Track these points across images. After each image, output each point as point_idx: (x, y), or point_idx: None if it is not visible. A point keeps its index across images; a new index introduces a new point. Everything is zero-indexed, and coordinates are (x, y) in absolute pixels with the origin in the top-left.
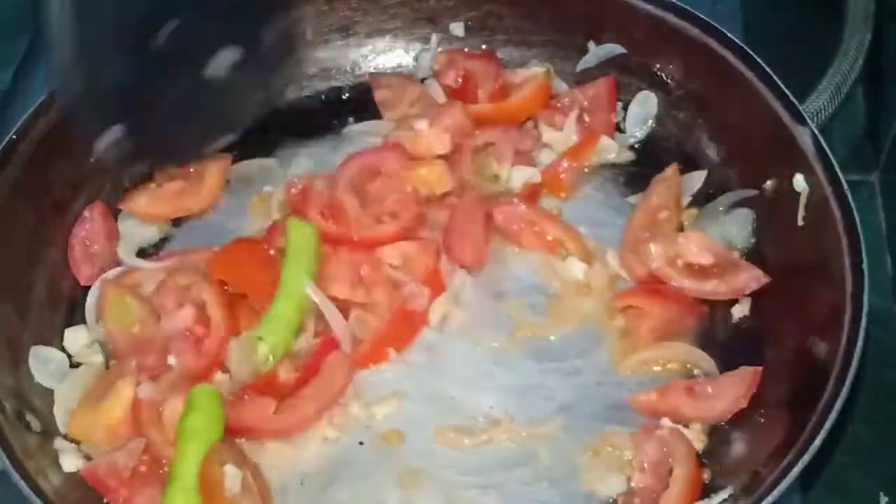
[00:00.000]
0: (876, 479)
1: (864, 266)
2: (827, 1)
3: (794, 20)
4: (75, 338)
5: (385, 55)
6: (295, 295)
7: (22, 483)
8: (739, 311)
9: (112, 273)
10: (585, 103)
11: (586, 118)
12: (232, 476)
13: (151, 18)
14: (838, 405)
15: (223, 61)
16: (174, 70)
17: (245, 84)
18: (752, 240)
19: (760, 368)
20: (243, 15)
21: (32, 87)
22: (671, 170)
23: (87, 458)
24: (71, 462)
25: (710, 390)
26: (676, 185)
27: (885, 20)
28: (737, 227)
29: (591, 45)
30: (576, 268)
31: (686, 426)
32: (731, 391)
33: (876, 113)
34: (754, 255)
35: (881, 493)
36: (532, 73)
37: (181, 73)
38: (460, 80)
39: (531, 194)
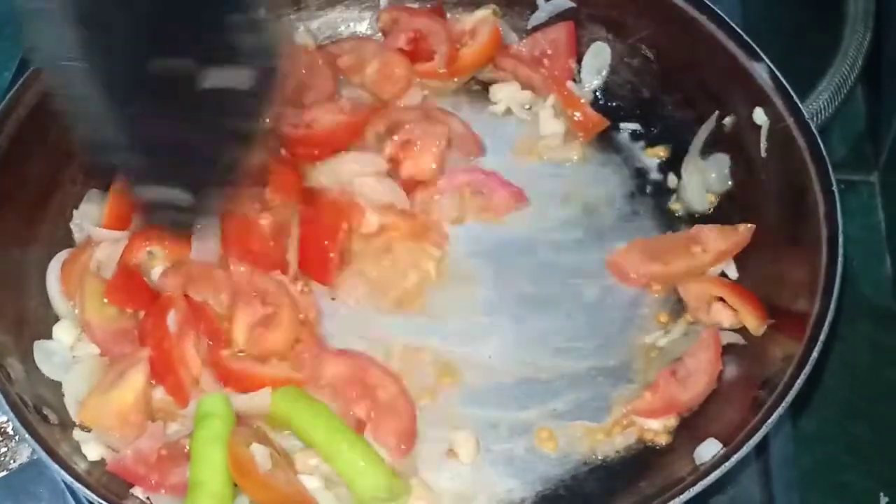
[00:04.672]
0: (876, 479)
1: (835, 188)
2: (827, 1)
3: (794, 20)
4: (64, 333)
5: (338, 26)
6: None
7: (62, 472)
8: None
9: (66, 253)
10: (547, 48)
11: (546, 63)
12: (261, 454)
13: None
14: (829, 319)
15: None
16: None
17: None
18: (730, 183)
19: (716, 329)
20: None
21: None
22: (744, 229)
23: (108, 446)
24: (93, 451)
25: (689, 365)
26: (734, 245)
27: (885, 20)
28: (715, 172)
29: (541, 0)
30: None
31: None
32: (703, 357)
33: (876, 113)
34: (726, 198)
35: (881, 494)
36: (481, 18)
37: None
38: (411, 43)
39: None
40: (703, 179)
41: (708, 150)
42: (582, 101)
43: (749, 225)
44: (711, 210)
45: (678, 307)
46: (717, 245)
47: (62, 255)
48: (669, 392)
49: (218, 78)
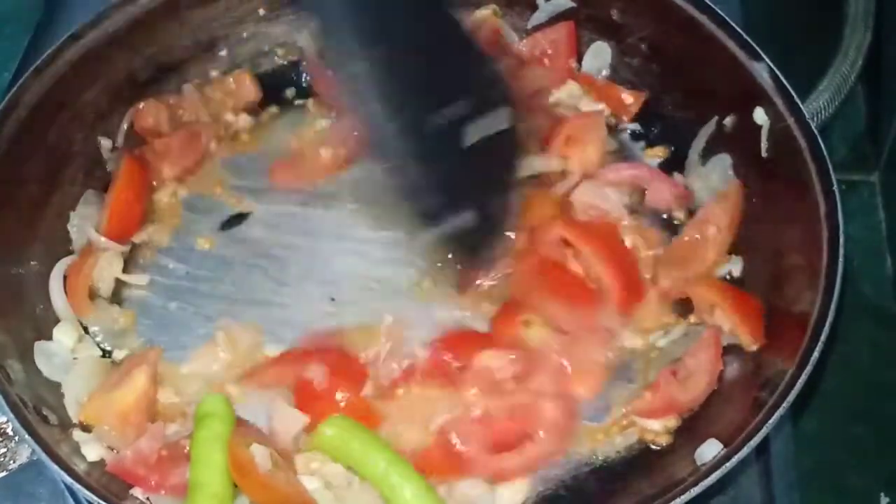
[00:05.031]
0: (876, 479)
1: (835, 188)
2: (827, 1)
3: (794, 20)
4: (64, 334)
5: None
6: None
7: (62, 473)
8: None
9: (69, 259)
10: (547, 48)
11: (546, 63)
12: (261, 454)
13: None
14: (829, 319)
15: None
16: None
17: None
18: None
19: (718, 329)
20: None
21: None
22: (733, 187)
23: (108, 447)
24: (93, 451)
25: (689, 366)
26: (734, 205)
27: (885, 20)
28: (717, 173)
29: (541, 0)
30: None
31: None
32: (704, 357)
33: (876, 113)
34: None
35: (881, 494)
36: (481, 18)
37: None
38: None
39: None
40: (705, 183)
41: (708, 152)
42: (603, 81)
43: (730, 180)
44: None
45: (679, 307)
46: (724, 219)
47: (65, 262)
48: (670, 392)
49: (482, 127)
